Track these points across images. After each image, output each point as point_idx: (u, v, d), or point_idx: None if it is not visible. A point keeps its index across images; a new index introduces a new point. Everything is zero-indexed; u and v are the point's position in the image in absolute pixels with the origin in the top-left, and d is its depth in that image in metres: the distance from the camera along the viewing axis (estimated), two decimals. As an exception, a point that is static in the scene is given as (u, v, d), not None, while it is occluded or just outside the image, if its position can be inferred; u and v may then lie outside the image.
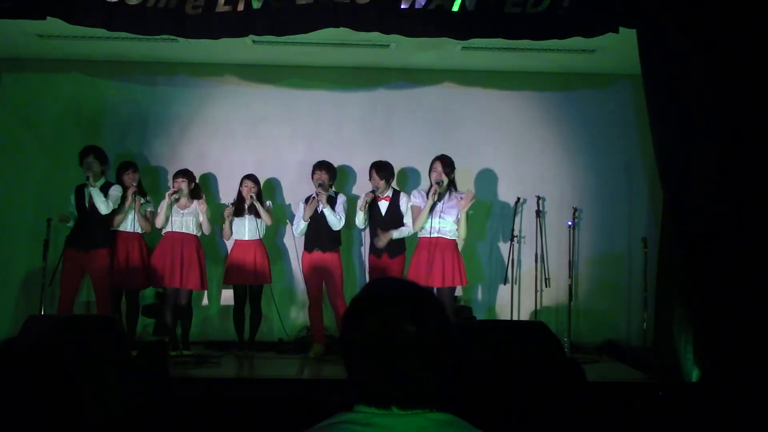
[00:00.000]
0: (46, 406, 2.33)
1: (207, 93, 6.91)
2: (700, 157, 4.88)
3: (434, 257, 5.58)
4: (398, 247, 6.04)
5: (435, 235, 5.63)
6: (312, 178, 6.14)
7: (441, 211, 5.64)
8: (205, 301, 6.67)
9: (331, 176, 6.16)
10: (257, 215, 6.13)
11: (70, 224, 5.97)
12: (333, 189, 6.23)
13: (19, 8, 4.91)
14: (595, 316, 6.87)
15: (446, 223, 5.66)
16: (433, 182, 5.65)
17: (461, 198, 5.66)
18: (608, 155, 6.96)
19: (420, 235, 5.76)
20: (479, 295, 6.88)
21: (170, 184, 6.25)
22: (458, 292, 6.21)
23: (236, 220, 6.18)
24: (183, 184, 6.06)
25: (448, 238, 5.68)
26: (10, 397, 2.29)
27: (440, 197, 5.64)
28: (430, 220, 5.63)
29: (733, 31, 4.79)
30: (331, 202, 6.10)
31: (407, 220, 5.96)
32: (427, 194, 5.69)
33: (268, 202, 6.31)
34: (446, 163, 5.69)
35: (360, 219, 6.07)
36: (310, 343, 6.19)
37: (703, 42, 4.84)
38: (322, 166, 6.13)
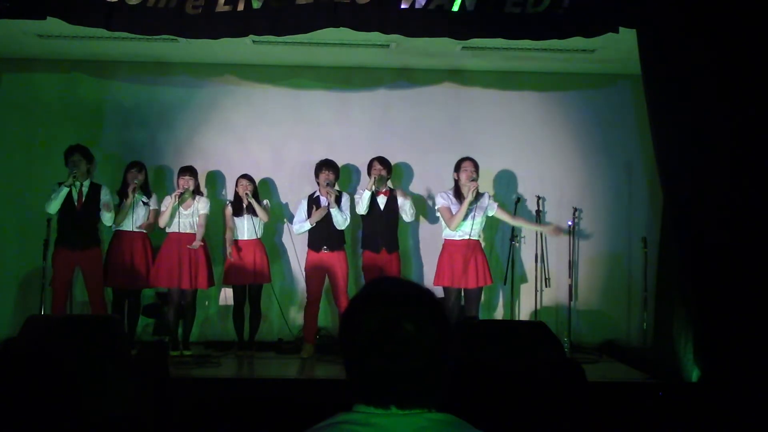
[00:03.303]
0: (46, 406, 2.33)
1: (207, 93, 6.90)
2: (700, 157, 4.88)
3: (469, 259, 5.69)
4: (395, 243, 6.12)
5: (467, 237, 5.73)
6: (317, 177, 6.14)
7: (474, 213, 5.74)
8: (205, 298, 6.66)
9: (337, 175, 6.17)
10: (254, 214, 6.13)
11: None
12: (337, 188, 6.23)
13: (19, 8, 4.90)
14: (595, 316, 6.86)
15: (477, 224, 5.80)
16: (467, 182, 5.73)
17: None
18: (608, 155, 6.96)
19: (450, 237, 5.80)
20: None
21: (174, 181, 6.24)
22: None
23: (235, 220, 6.19)
24: (190, 182, 6.06)
25: (477, 239, 5.82)
26: (10, 397, 2.29)
27: (477, 198, 5.73)
28: (463, 222, 5.73)
29: (734, 30, 4.79)
30: (336, 201, 6.09)
31: (405, 216, 6.14)
32: (455, 195, 5.81)
33: (265, 201, 6.30)
34: (476, 164, 5.83)
35: (364, 204, 5.99)
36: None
37: (703, 42, 4.83)
38: (329, 165, 6.11)
